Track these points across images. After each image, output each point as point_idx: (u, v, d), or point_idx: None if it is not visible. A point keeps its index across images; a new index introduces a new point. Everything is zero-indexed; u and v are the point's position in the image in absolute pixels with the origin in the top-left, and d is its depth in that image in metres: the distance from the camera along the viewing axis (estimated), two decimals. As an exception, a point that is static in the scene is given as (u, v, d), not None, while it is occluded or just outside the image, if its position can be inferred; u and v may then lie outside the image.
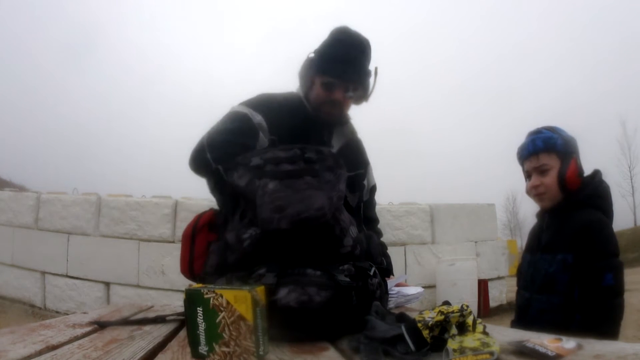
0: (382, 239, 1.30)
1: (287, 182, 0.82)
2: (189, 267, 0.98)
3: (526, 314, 1.33)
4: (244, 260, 0.80)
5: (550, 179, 1.29)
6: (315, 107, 1.20)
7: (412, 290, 1.20)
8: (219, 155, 1.05)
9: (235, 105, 1.18)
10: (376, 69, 1.17)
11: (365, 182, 1.33)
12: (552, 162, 1.29)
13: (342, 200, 0.86)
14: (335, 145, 1.26)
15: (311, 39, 1.22)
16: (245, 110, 1.14)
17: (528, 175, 1.36)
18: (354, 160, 1.26)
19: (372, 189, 1.38)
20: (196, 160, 1.10)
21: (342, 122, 1.26)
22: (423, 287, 1.26)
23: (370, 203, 1.37)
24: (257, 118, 1.13)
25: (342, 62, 1.14)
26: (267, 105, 1.18)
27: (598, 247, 1.20)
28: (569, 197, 1.28)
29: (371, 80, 1.19)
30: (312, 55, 1.19)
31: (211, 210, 1.03)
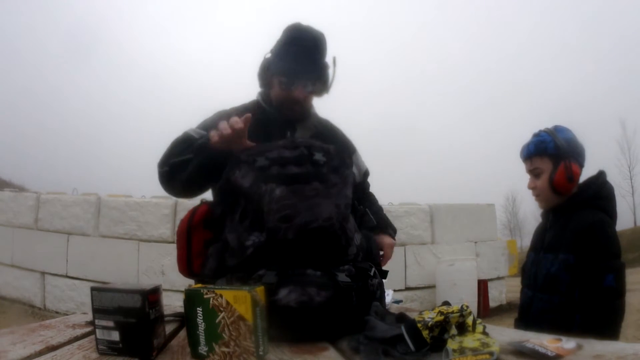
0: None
1: (294, 187, 0.81)
2: (188, 267, 0.97)
3: (528, 312, 1.33)
4: (244, 264, 0.80)
5: (542, 182, 1.32)
6: (276, 106, 1.20)
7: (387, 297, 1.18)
8: (164, 160, 1.10)
9: None
10: (334, 58, 1.17)
11: (354, 169, 1.23)
12: (544, 166, 1.31)
13: (349, 208, 0.85)
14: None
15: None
16: (187, 129, 1.13)
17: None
18: None
19: (365, 174, 1.35)
20: (161, 184, 1.14)
21: (305, 117, 1.25)
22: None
23: (361, 186, 1.32)
24: (201, 134, 1.09)
25: (298, 60, 1.14)
26: (217, 118, 1.14)
27: (600, 248, 1.20)
28: (572, 197, 1.29)
29: (330, 71, 1.18)
30: (269, 55, 1.19)
31: (205, 204, 1.00)
